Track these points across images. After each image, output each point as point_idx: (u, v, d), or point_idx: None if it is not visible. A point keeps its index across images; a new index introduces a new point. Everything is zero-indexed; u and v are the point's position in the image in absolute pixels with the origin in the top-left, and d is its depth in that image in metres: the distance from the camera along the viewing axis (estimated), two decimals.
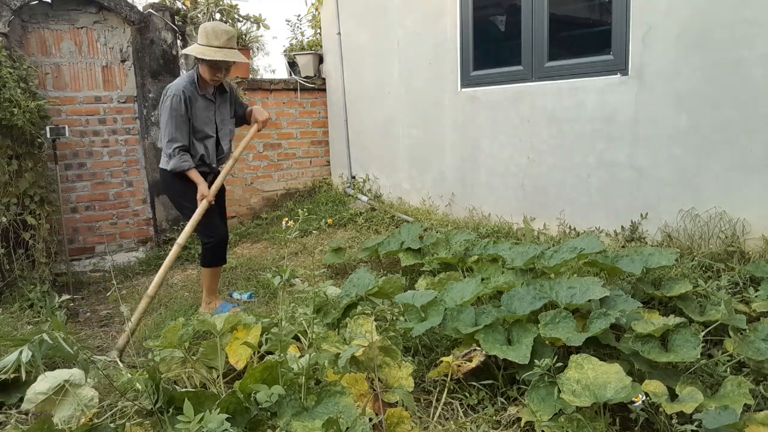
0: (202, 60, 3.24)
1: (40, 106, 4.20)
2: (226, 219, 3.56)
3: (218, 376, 2.44)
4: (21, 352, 1.81)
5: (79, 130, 4.87)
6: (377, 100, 5.78)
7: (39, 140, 4.25)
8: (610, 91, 3.73)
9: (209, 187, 3.33)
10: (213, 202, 3.32)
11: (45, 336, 1.83)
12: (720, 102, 3.23)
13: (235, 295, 3.89)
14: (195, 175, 3.30)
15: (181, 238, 3.25)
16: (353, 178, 6.28)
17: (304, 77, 6.43)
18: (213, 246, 3.44)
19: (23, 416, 2.22)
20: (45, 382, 2.08)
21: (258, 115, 3.54)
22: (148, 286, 4.29)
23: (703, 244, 3.33)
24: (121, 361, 2.82)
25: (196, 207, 3.27)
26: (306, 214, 2.63)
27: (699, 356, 2.07)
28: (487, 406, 2.21)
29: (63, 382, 2.08)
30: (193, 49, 3.24)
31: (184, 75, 3.40)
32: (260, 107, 3.62)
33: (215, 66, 3.26)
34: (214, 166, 3.52)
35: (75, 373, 2.16)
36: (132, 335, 2.98)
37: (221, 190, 3.60)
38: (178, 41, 5.40)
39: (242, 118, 3.70)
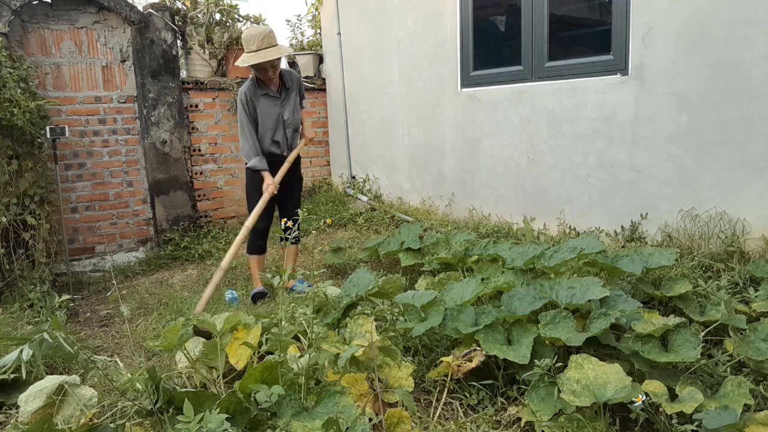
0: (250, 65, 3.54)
1: (40, 106, 4.20)
2: (294, 211, 3.69)
3: (218, 376, 2.44)
4: (21, 351, 1.80)
5: (79, 130, 4.87)
6: (377, 100, 5.78)
7: (39, 140, 4.24)
8: (610, 91, 3.73)
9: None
10: (276, 192, 3.68)
11: (45, 335, 1.82)
12: (720, 102, 3.23)
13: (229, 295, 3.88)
14: (265, 174, 3.68)
15: (249, 221, 3.64)
16: (353, 178, 6.28)
17: (304, 77, 6.43)
18: (251, 235, 3.80)
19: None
20: (36, 400, 2.09)
21: (307, 132, 3.97)
22: (149, 286, 4.32)
23: (703, 244, 3.33)
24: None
25: (258, 195, 3.70)
26: (305, 214, 2.63)
27: (699, 356, 2.07)
28: (487, 406, 2.21)
29: (53, 396, 2.10)
30: (239, 60, 3.56)
31: (248, 80, 3.71)
32: (310, 125, 4.03)
33: (258, 68, 3.53)
34: (285, 154, 3.83)
35: (68, 380, 2.17)
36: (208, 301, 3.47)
37: (288, 187, 3.85)
38: (178, 41, 5.40)
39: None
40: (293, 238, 2.44)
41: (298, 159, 3.93)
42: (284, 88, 3.76)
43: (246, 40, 3.50)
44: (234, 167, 5.75)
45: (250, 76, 3.72)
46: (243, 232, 3.61)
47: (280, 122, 3.73)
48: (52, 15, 4.66)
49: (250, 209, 3.83)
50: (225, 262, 3.54)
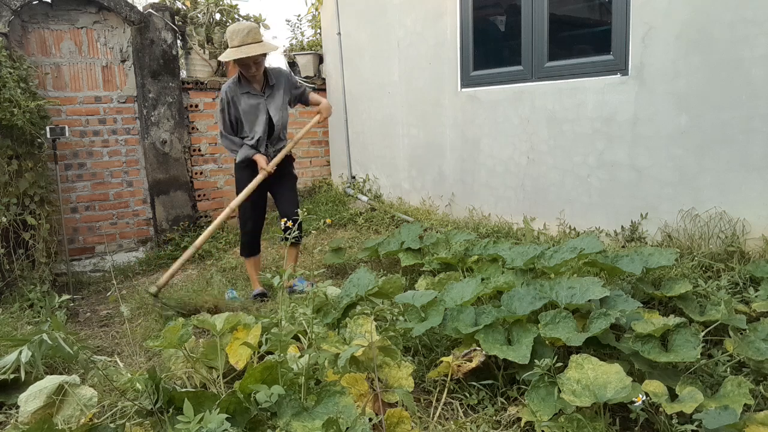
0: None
1: (40, 106, 4.20)
2: (293, 210, 3.63)
3: (218, 376, 2.44)
4: (20, 353, 1.81)
5: (79, 130, 4.87)
6: (377, 100, 5.78)
7: (39, 140, 4.25)
8: (610, 91, 3.73)
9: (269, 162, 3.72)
10: (272, 172, 3.66)
11: (45, 336, 1.82)
12: (720, 102, 3.23)
13: (229, 294, 3.88)
14: (257, 157, 3.68)
15: (234, 203, 3.66)
16: (353, 178, 6.28)
17: (304, 77, 6.43)
18: (242, 236, 3.88)
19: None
20: (36, 400, 2.09)
21: (324, 110, 3.90)
22: (149, 286, 4.32)
23: (703, 244, 3.33)
24: (156, 296, 3.46)
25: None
26: (306, 214, 2.63)
27: (699, 356, 2.07)
28: (487, 406, 2.21)
29: (53, 396, 2.10)
30: (222, 55, 3.54)
31: (233, 77, 3.69)
32: (328, 102, 3.98)
33: (241, 64, 3.51)
34: (262, 151, 3.73)
35: (67, 380, 2.17)
36: (171, 277, 3.57)
37: (282, 182, 3.83)
38: (178, 41, 5.40)
39: (303, 102, 4.00)
40: (293, 238, 2.44)
41: (286, 157, 3.84)
42: (268, 86, 3.70)
43: (230, 35, 3.47)
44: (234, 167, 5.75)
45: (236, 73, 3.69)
46: (226, 211, 3.63)
47: (262, 121, 3.67)
48: (52, 15, 4.66)
49: (243, 212, 3.80)
50: (199, 240, 3.57)
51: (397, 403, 2.11)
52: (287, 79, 3.81)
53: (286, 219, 2.77)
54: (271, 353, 2.45)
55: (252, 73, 3.56)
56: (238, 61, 3.48)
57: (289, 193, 3.87)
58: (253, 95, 3.66)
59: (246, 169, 3.73)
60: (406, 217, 5.15)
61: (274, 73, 3.74)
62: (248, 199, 3.70)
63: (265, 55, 3.57)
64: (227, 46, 3.58)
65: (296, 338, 2.61)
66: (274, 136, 3.77)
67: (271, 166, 3.64)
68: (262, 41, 3.51)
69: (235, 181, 3.85)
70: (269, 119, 3.71)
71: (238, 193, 3.77)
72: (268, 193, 3.91)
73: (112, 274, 4.57)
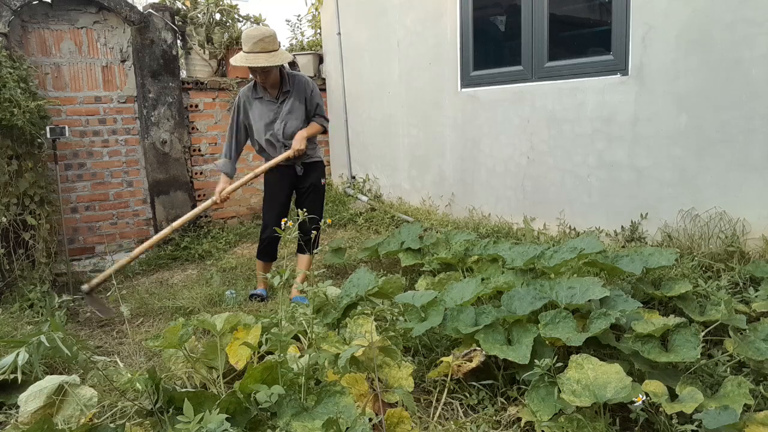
0: None
1: (40, 106, 4.19)
2: (314, 222, 3.46)
3: (218, 376, 2.44)
4: (17, 355, 1.80)
5: (79, 130, 4.87)
6: (377, 100, 5.78)
7: (39, 140, 4.24)
8: (610, 91, 3.73)
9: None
10: (219, 202, 3.63)
11: (43, 338, 1.82)
12: (720, 102, 3.23)
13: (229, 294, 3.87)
14: (220, 179, 3.68)
15: (177, 222, 3.79)
16: (353, 178, 6.28)
17: None
18: (261, 241, 3.80)
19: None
20: (36, 400, 2.09)
21: (294, 142, 3.53)
22: (149, 286, 4.32)
23: (703, 244, 3.33)
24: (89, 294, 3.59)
25: (270, 198, 3.74)
26: (306, 214, 2.63)
27: (699, 356, 2.07)
28: (487, 406, 2.21)
29: (53, 396, 2.10)
30: (233, 59, 3.49)
31: (252, 81, 3.66)
32: (302, 135, 3.55)
33: (251, 70, 3.48)
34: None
35: (67, 379, 2.17)
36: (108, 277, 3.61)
37: (306, 192, 3.78)
38: (178, 41, 5.40)
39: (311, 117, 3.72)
40: (293, 237, 2.42)
41: (315, 165, 3.76)
42: (282, 92, 3.56)
43: (243, 39, 3.42)
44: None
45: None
46: (166, 230, 3.73)
47: (271, 128, 3.58)
48: (52, 15, 4.66)
49: (265, 216, 3.75)
50: (136, 251, 3.69)
51: (397, 403, 2.11)
52: (304, 89, 3.62)
53: (286, 219, 2.76)
54: (271, 353, 2.45)
55: (260, 80, 3.51)
56: (249, 68, 3.46)
57: (310, 209, 3.52)
58: (266, 101, 3.58)
59: (269, 172, 3.65)
60: (406, 217, 5.15)
61: (291, 80, 3.60)
62: (271, 204, 3.70)
63: (279, 66, 3.47)
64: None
65: (296, 338, 2.61)
66: (279, 144, 3.60)
67: (219, 194, 3.58)
68: (275, 50, 3.39)
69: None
70: (282, 124, 3.59)
71: (266, 196, 3.79)
72: (292, 202, 3.86)
73: (112, 275, 4.56)
